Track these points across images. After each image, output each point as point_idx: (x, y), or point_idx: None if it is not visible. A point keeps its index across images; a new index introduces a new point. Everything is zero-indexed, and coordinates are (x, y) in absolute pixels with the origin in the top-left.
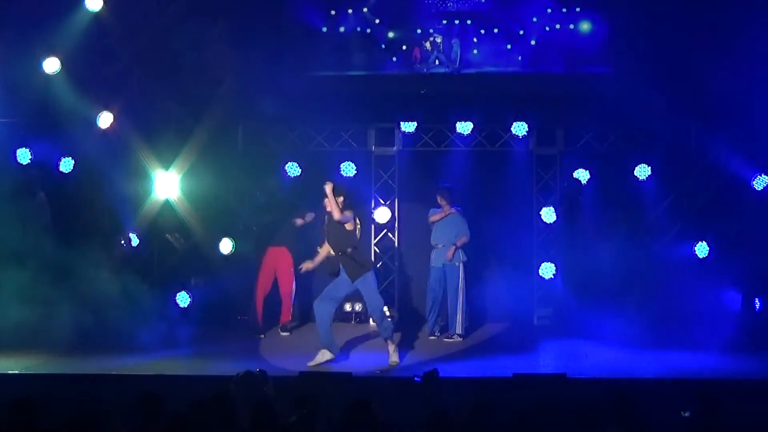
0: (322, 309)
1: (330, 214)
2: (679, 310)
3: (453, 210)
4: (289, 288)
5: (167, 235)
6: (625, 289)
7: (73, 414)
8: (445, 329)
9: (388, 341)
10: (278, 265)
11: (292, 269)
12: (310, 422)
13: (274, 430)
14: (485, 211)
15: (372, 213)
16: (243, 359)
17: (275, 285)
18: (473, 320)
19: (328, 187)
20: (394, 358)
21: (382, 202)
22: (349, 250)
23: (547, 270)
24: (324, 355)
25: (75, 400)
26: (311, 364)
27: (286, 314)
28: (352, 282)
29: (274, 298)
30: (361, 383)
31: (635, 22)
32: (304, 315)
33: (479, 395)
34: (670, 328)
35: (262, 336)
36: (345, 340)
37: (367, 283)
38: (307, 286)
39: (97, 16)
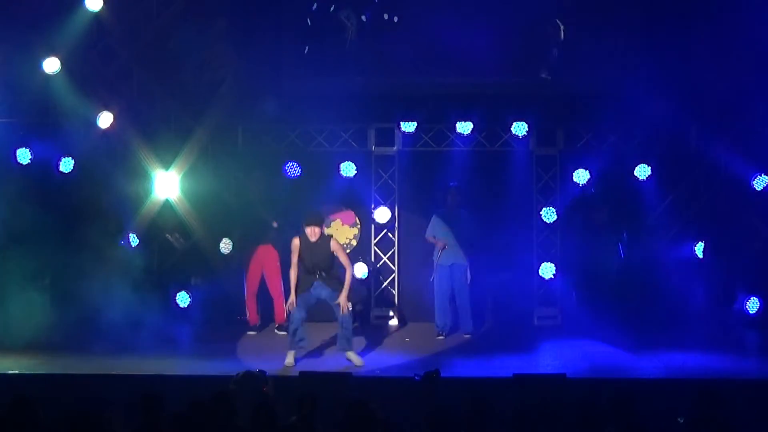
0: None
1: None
2: (679, 310)
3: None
4: (278, 287)
5: (167, 235)
6: (624, 289)
7: (73, 414)
8: (454, 329)
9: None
10: (264, 263)
11: (279, 266)
12: (310, 422)
13: (274, 430)
14: (485, 211)
15: (372, 213)
16: (243, 359)
17: (264, 284)
18: (473, 320)
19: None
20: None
21: (382, 202)
22: (328, 272)
23: (547, 270)
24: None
25: (75, 400)
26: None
27: (280, 314)
28: (332, 292)
29: (264, 302)
30: (361, 383)
31: (635, 22)
32: None
33: (479, 395)
34: (669, 328)
35: (254, 333)
36: None
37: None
38: None
39: (97, 16)
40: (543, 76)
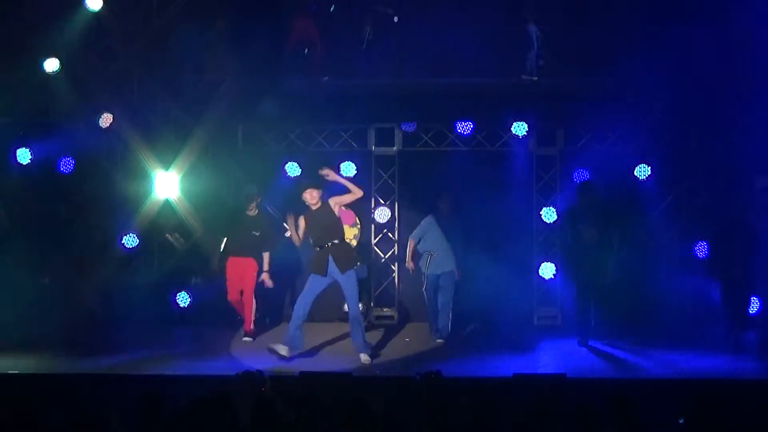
0: (301, 306)
1: (312, 208)
2: (679, 310)
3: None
4: (251, 298)
5: (167, 235)
6: (624, 289)
7: (73, 414)
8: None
9: (362, 352)
10: (245, 274)
11: (255, 277)
12: (310, 422)
13: (274, 430)
14: (485, 211)
15: (372, 213)
16: (243, 359)
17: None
18: (473, 320)
19: (331, 173)
20: (364, 359)
21: (382, 202)
22: (338, 240)
23: (547, 270)
24: (281, 350)
25: (75, 400)
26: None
27: (249, 323)
28: (342, 273)
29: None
30: (361, 383)
31: (635, 22)
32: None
33: (479, 395)
34: (669, 328)
35: (249, 340)
36: (344, 340)
37: (352, 278)
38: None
39: (97, 16)
40: (524, 77)
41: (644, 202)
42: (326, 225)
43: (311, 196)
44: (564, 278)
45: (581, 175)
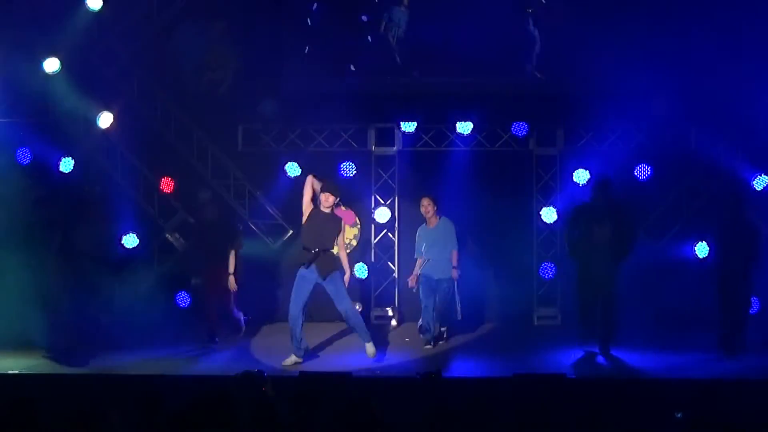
0: (293, 313)
1: (325, 208)
2: (679, 310)
3: (437, 218)
4: (231, 303)
5: (167, 235)
6: (624, 288)
7: (73, 414)
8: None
9: (366, 342)
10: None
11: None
12: (310, 422)
13: (274, 430)
14: (485, 211)
15: (372, 213)
16: (243, 359)
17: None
18: (473, 320)
19: (313, 181)
20: (370, 350)
21: (382, 202)
22: (330, 249)
23: (547, 270)
24: (293, 359)
25: (75, 400)
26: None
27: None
28: (323, 279)
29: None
30: (361, 383)
31: (635, 22)
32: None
33: (479, 395)
34: (670, 328)
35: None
36: (344, 340)
37: (336, 280)
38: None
39: (97, 16)
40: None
41: (644, 202)
42: (324, 230)
43: (325, 199)
44: (565, 276)
45: (581, 175)
